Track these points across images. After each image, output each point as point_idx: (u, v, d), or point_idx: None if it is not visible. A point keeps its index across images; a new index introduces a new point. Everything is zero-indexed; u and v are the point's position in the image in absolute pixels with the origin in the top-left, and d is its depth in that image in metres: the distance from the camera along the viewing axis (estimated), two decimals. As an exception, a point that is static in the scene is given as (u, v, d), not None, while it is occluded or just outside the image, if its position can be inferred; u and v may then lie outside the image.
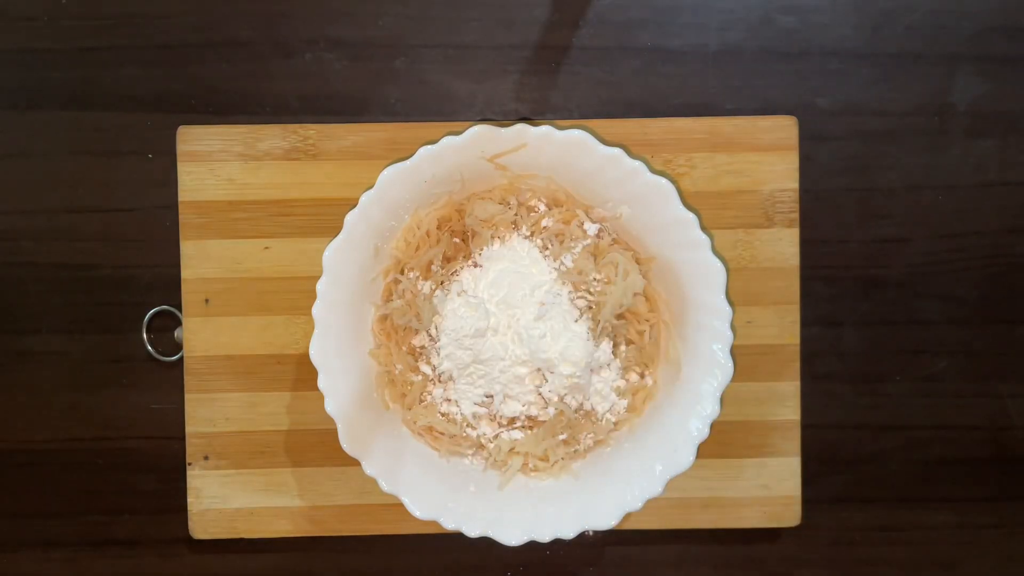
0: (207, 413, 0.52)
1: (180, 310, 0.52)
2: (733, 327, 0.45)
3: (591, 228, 0.48)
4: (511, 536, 0.46)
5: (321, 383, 0.46)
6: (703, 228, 0.45)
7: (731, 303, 0.45)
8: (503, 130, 0.45)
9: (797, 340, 0.52)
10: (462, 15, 0.53)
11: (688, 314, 0.47)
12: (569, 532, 0.46)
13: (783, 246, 0.52)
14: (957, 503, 0.54)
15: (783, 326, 0.52)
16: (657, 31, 0.53)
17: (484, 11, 0.53)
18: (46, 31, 0.53)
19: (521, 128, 0.45)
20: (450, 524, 0.46)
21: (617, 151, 0.45)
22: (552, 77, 0.53)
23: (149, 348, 0.53)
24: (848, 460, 0.54)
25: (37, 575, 0.54)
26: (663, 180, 0.45)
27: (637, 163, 0.45)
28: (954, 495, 0.54)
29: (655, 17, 0.53)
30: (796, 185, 0.51)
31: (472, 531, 0.46)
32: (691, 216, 0.45)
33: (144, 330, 0.53)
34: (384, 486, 0.46)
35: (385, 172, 0.45)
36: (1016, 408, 0.54)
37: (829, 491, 0.54)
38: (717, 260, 0.45)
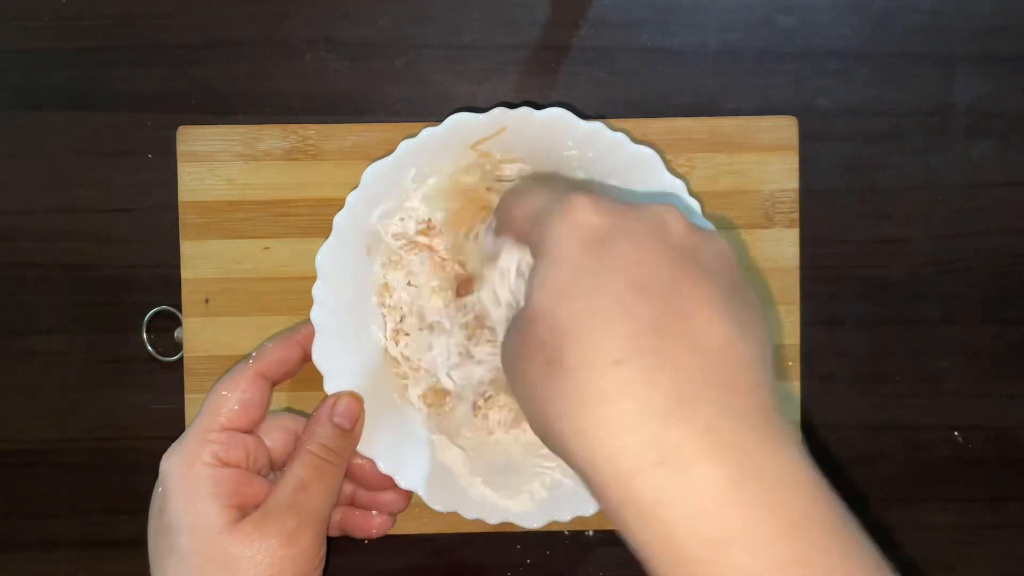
0: (207, 413, 0.51)
1: (180, 310, 0.52)
2: None
3: None
4: (532, 520, 0.47)
5: (327, 386, 0.46)
6: (692, 194, 0.45)
7: None
8: (481, 116, 0.44)
9: (797, 340, 0.52)
10: (462, 15, 0.53)
11: None
12: (589, 509, 0.46)
13: (783, 246, 0.52)
14: (957, 503, 0.54)
15: (783, 326, 0.52)
16: (657, 31, 0.53)
17: (484, 11, 0.53)
18: (46, 31, 0.53)
19: (499, 112, 0.44)
20: (470, 514, 0.46)
21: (598, 124, 0.45)
22: (552, 77, 0.53)
23: (149, 348, 0.53)
24: (848, 460, 0.54)
25: (37, 575, 0.54)
26: (647, 149, 0.45)
27: (619, 135, 0.45)
28: (954, 495, 0.54)
29: (655, 17, 0.53)
30: (796, 185, 0.51)
31: (492, 519, 0.47)
32: (678, 181, 0.45)
33: (144, 330, 0.53)
34: (401, 483, 0.46)
35: (369, 169, 0.45)
36: (1016, 408, 0.54)
37: (829, 491, 0.54)
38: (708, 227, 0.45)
